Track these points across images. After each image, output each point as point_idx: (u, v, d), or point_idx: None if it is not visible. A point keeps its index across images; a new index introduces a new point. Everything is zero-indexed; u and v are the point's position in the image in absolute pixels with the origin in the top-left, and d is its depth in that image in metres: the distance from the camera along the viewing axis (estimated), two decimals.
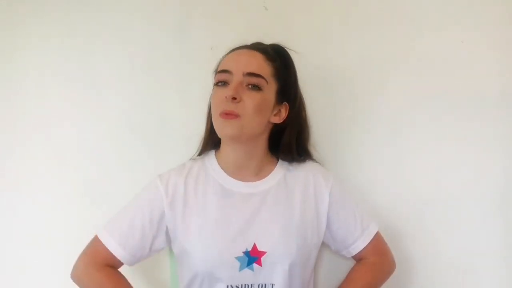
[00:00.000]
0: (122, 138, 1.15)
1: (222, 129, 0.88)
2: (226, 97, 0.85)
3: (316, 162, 1.03)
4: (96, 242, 0.92)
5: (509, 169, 1.10)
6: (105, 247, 0.90)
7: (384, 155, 1.12)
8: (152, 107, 1.15)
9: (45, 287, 1.19)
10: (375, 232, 1.00)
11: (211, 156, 0.97)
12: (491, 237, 1.11)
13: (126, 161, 1.15)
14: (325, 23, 1.13)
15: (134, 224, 0.91)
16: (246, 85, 0.87)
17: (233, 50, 0.93)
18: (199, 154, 1.00)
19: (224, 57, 0.93)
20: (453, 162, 1.11)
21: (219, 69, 0.90)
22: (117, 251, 0.90)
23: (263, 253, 0.88)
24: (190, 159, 1.00)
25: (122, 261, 0.91)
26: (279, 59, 0.92)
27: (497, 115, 1.10)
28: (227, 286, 0.88)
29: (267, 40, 0.98)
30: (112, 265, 0.91)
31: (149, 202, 0.92)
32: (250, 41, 0.99)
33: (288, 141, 0.96)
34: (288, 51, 0.95)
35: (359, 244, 0.99)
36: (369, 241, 0.99)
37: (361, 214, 1.00)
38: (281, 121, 0.93)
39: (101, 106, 1.15)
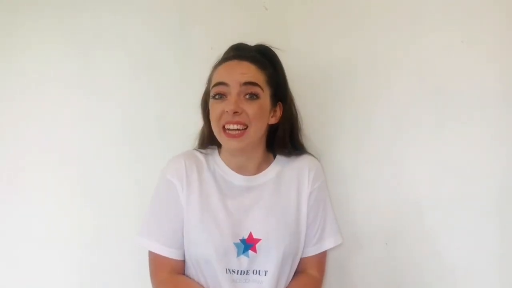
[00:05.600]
0: (122, 138, 1.17)
1: (227, 144, 0.94)
2: (227, 111, 0.91)
3: (313, 156, 1.07)
4: (153, 257, 1.00)
5: (509, 169, 1.10)
6: (165, 257, 0.98)
7: (383, 155, 1.14)
8: (152, 107, 1.16)
9: (43, 285, 1.18)
10: (326, 248, 1.05)
11: (214, 151, 1.04)
12: (491, 237, 1.11)
13: (126, 161, 1.16)
14: (325, 22, 1.14)
15: (173, 221, 0.98)
16: (244, 96, 0.93)
17: (223, 60, 0.97)
18: (202, 147, 1.05)
19: (215, 68, 0.98)
20: (453, 162, 1.12)
21: (215, 82, 0.95)
22: (178, 255, 0.99)
23: (258, 240, 0.95)
24: (194, 149, 1.05)
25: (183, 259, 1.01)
26: (269, 64, 0.98)
27: (497, 115, 1.10)
28: (226, 270, 0.95)
29: (267, 40, 1.01)
30: (180, 270, 1.00)
31: (169, 196, 0.99)
32: (249, 41, 1.00)
33: (283, 136, 1.01)
34: (274, 50, 1.00)
35: (308, 252, 1.03)
36: (317, 253, 1.04)
37: (325, 225, 1.04)
38: (277, 121, 1.00)
39: (101, 106, 1.17)
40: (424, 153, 1.13)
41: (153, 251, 0.98)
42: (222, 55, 1.00)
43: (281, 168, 1.02)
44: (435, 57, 1.12)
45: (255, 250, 0.95)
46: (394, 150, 1.13)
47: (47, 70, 1.16)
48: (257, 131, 0.94)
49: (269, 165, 1.02)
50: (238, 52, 0.98)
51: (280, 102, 1.00)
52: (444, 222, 1.12)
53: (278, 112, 1.00)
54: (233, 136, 0.92)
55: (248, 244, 0.95)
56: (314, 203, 1.01)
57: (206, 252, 0.94)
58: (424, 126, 1.12)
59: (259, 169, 1.01)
